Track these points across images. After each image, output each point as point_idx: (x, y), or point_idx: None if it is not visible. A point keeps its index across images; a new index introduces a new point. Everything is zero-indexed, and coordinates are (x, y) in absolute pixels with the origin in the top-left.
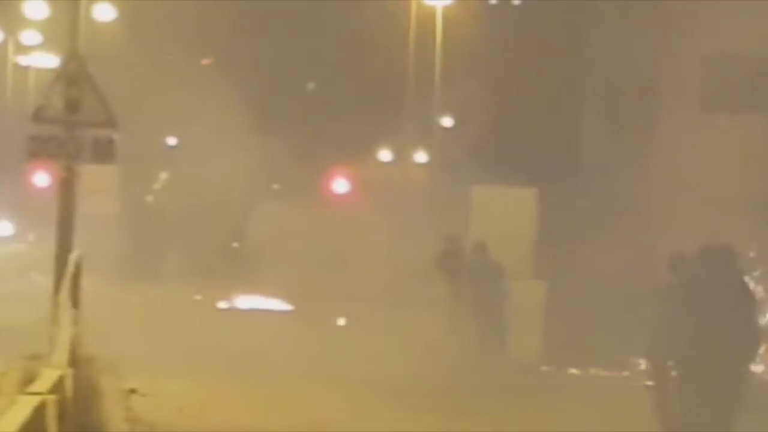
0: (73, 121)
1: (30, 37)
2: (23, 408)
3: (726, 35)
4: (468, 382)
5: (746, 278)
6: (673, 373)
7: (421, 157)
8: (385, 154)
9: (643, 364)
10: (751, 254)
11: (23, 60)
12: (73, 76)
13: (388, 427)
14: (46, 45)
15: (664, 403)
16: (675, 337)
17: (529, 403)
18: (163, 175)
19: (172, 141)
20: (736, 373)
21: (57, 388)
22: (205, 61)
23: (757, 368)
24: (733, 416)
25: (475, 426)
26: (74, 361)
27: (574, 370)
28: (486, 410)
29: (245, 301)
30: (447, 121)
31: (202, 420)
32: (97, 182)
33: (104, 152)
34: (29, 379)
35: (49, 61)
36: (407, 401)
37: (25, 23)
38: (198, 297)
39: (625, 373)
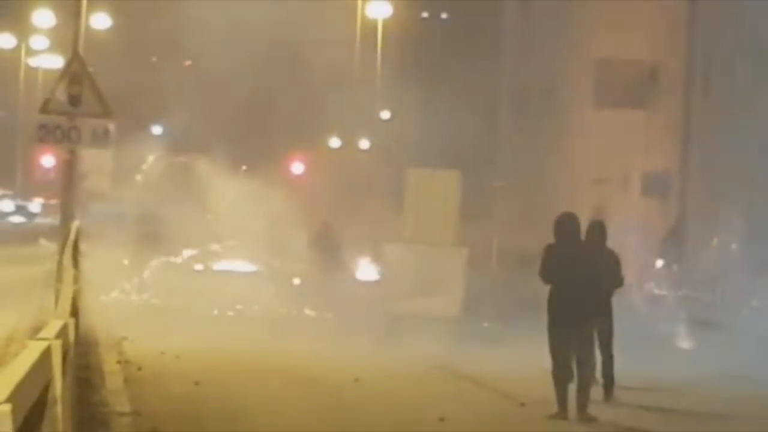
0: (75, 113)
1: (38, 42)
2: (33, 351)
3: (616, 42)
4: None
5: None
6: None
7: (364, 144)
8: (334, 142)
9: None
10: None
11: (33, 61)
12: (75, 74)
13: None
14: (52, 49)
15: (553, 343)
16: (557, 288)
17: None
18: (150, 158)
19: (157, 130)
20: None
21: (61, 334)
22: (186, 63)
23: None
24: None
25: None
26: (75, 312)
27: (485, 324)
28: None
29: (218, 265)
30: (385, 114)
31: (181, 362)
32: (95, 164)
33: (101, 139)
34: (38, 327)
35: (54, 62)
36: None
37: (35, 30)
38: (178, 260)
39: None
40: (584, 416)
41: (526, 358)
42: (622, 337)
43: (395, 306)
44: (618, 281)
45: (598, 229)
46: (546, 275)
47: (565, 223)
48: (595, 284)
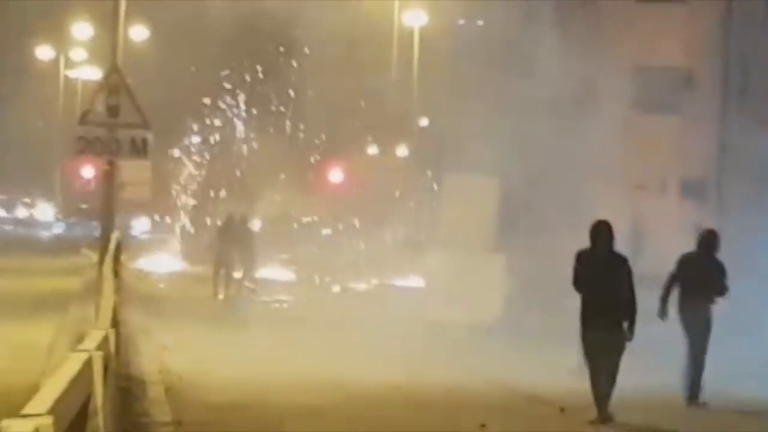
0: (114, 124)
1: (77, 53)
2: (74, 363)
3: (652, 48)
4: None
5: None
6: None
7: (402, 151)
8: (373, 149)
9: None
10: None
11: (72, 73)
12: (114, 86)
13: None
14: (91, 60)
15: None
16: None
17: None
18: (189, 167)
19: (196, 139)
20: (620, 331)
21: (102, 345)
22: (223, 73)
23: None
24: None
25: None
26: (116, 323)
27: (524, 329)
28: None
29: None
30: (423, 121)
31: (221, 371)
32: (134, 174)
33: (140, 149)
34: (79, 338)
35: (93, 73)
36: None
37: (74, 42)
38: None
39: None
40: (603, 417)
41: (564, 363)
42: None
43: (433, 311)
44: (721, 289)
45: (711, 240)
46: (576, 282)
47: (597, 230)
48: (618, 294)
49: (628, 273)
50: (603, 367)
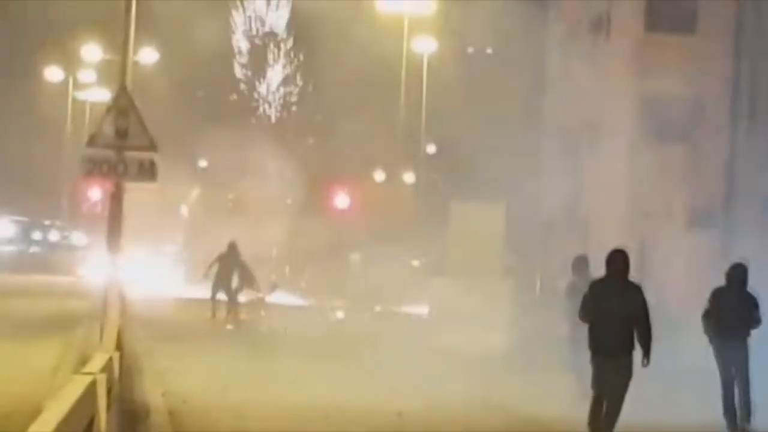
0: (122, 146)
1: (86, 75)
2: (78, 385)
3: (660, 76)
4: None
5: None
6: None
7: (409, 177)
8: (379, 175)
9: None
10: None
11: (80, 95)
12: (122, 108)
13: None
14: (99, 82)
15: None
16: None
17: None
18: (195, 191)
19: (203, 163)
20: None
21: (106, 368)
22: (231, 98)
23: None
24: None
25: None
26: (120, 345)
27: (530, 357)
28: None
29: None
30: (431, 148)
31: (229, 394)
32: (141, 197)
33: (147, 172)
34: (83, 360)
35: (102, 95)
36: None
37: (82, 64)
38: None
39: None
40: None
41: (572, 391)
42: None
43: (438, 339)
44: (756, 322)
45: (742, 272)
46: (583, 310)
47: (612, 259)
48: (633, 323)
49: (644, 302)
50: (606, 396)
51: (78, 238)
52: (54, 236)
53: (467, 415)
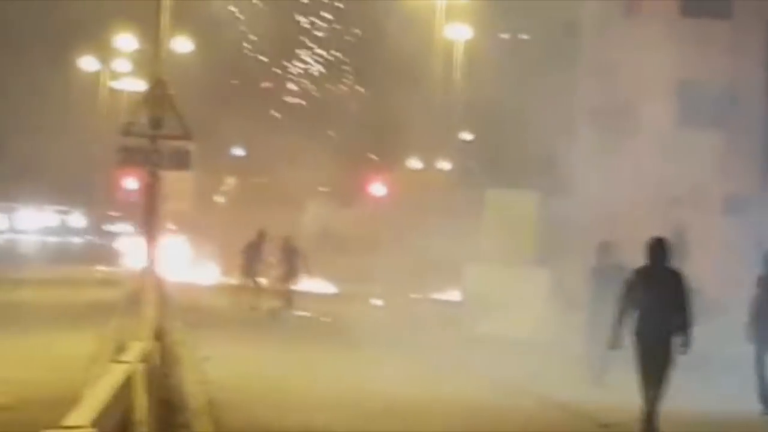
0: (156, 135)
1: (121, 65)
2: (117, 374)
3: (696, 62)
4: None
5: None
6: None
7: (444, 165)
8: (415, 162)
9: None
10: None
11: (116, 84)
12: (157, 97)
13: None
14: (134, 72)
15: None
16: (643, 312)
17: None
18: (230, 180)
19: (238, 151)
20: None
21: (143, 357)
22: (264, 85)
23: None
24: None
25: None
26: (157, 334)
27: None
28: None
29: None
30: (466, 136)
31: (268, 383)
32: (175, 185)
33: (181, 161)
34: (121, 349)
35: (137, 85)
36: None
37: (118, 54)
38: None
39: None
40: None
41: (609, 379)
42: None
43: (475, 326)
44: None
45: None
46: (626, 300)
47: (654, 247)
48: (675, 309)
49: (686, 288)
50: (653, 382)
51: (117, 227)
52: (94, 226)
53: (500, 399)
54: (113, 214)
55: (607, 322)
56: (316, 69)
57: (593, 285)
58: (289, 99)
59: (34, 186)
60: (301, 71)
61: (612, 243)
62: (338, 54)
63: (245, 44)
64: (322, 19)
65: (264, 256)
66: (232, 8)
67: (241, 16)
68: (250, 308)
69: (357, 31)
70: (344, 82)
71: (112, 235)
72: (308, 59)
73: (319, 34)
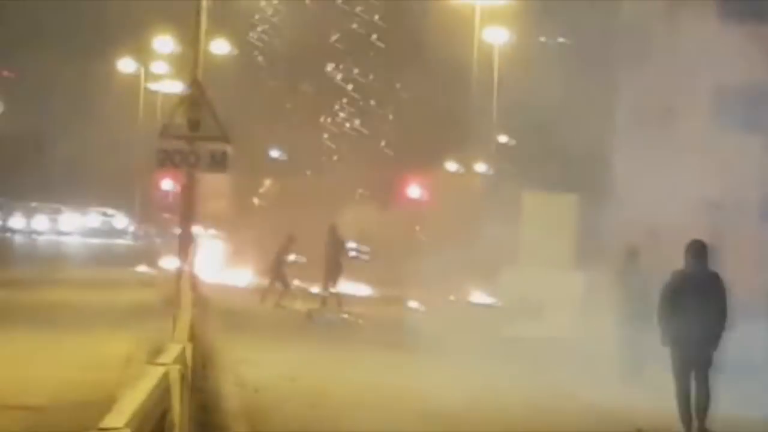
0: (194, 137)
1: (159, 67)
2: (152, 376)
3: (735, 65)
4: None
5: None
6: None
7: (481, 167)
8: (451, 165)
9: None
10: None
11: (153, 86)
12: (194, 99)
13: None
14: (172, 74)
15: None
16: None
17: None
18: (267, 182)
19: (275, 153)
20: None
21: (179, 359)
22: (302, 88)
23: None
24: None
25: None
26: (193, 336)
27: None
28: None
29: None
30: (503, 138)
31: (303, 384)
32: (213, 187)
33: (218, 163)
34: (156, 351)
35: (174, 87)
36: None
37: (155, 56)
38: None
39: None
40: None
41: (644, 382)
42: None
43: (511, 328)
44: None
45: None
46: (665, 305)
47: (692, 250)
48: (714, 312)
49: (724, 291)
50: (690, 386)
51: (158, 229)
52: (132, 228)
53: (534, 401)
54: (154, 215)
55: (635, 324)
56: (355, 73)
57: (616, 288)
58: (330, 104)
59: (77, 188)
60: (340, 75)
61: (637, 247)
62: (376, 58)
63: (284, 46)
64: (362, 21)
65: (293, 259)
66: (269, 10)
67: (277, 19)
68: (275, 306)
69: (394, 32)
70: (383, 87)
71: (153, 237)
72: (347, 62)
73: (360, 30)
